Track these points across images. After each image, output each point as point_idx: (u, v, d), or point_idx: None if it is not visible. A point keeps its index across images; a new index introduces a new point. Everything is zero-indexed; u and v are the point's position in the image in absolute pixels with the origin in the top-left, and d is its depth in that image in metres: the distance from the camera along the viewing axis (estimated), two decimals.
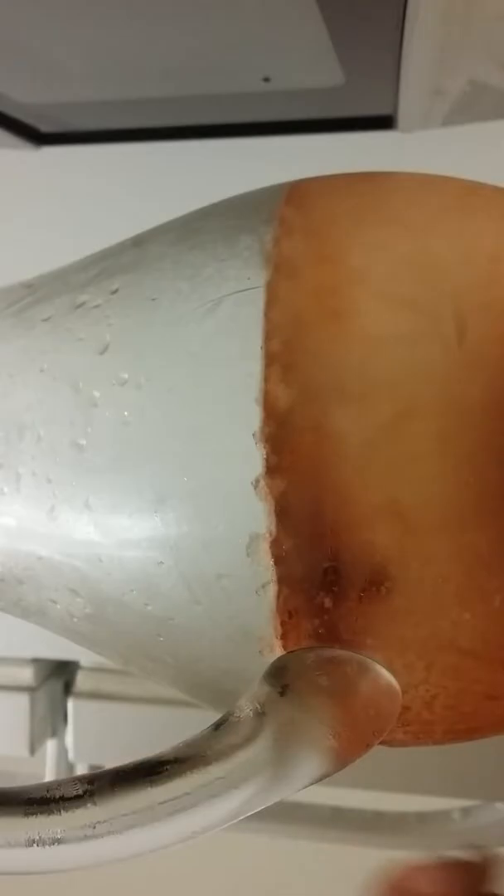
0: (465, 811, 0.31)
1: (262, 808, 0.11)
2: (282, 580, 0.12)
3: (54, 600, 0.15)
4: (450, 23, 0.18)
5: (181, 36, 0.20)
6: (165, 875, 0.47)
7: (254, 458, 0.12)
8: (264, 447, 0.12)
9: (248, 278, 0.13)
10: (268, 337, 0.12)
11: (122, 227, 0.17)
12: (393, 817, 0.32)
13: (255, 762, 0.11)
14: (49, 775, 0.32)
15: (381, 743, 0.12)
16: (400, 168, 0.15)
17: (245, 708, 0.11)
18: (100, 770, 0.11)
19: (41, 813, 0.11)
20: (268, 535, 0.12)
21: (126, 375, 0.13)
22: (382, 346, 0.12)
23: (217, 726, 0.11)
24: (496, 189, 0.14)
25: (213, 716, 0.12)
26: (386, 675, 0.12)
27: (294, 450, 0.12)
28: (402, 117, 0.25)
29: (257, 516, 0.12)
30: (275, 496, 0.12)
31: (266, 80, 0.22)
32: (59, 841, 0.10)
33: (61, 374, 0.14)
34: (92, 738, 0.32)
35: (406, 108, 0.24)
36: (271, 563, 0.12)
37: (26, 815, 0.11)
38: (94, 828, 0.10)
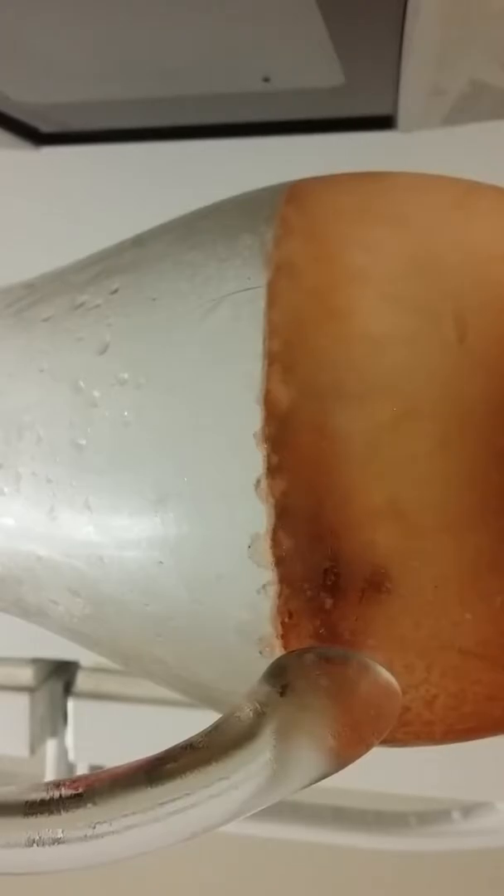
0: (465, 811, 0.31)
1: (262, 808, 0.11)
2: (282, 580, 0.12)
3: (54, 600, 0.15)
4: (450, 23, 0.18)
5: (181, 36, 0.20)
6: (165, 875, 0.47)
7: (254, 459, 0.12)
8: (265, 447, 0.12)
9: (249, 278, 0.13)
10: (268, 337, 0.12)
11: (122, 227, 0.17)
12: (393, 817, 0.32)
13: (255, 762, 0.11)
14: (49, 775, 0.32)
15: (381, 743, 0.12)
16: (400, 168, 0.15)
17: (245, 708, 0.11)
18: (100, 770, 0.11)
19: (41, 813, 0.11)
20: (268, 536, 0.12)
21: (126, 375, 0.13)
22: (383, 346, 0.12)
23: (217, 726, 0.11)
24: (496, 189, 0.14)
25: (213, 716, 0.12)
26: (386, 676, 0.12)
27: (295, 450, 0.12)
28: (402, 117, 0.25)
29: (258, 517, 0.12)
30: (275, 496, 0.12)
31: (266, 80, 0.22)
32: (59, 841, 0.10)
33: (61, 374, 0.14)
34: (92, 738, 0.32)
35: (406, 108, 0.24)
36: (272, 563, 0.12)
37: (26, 815, 0.11)
38: (94, 828, 0.10)
